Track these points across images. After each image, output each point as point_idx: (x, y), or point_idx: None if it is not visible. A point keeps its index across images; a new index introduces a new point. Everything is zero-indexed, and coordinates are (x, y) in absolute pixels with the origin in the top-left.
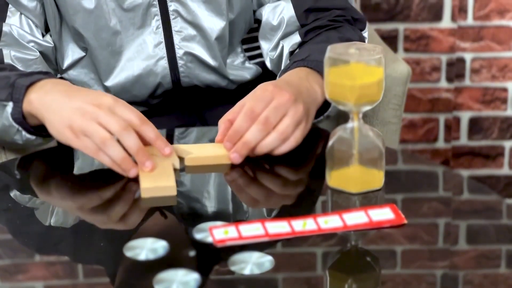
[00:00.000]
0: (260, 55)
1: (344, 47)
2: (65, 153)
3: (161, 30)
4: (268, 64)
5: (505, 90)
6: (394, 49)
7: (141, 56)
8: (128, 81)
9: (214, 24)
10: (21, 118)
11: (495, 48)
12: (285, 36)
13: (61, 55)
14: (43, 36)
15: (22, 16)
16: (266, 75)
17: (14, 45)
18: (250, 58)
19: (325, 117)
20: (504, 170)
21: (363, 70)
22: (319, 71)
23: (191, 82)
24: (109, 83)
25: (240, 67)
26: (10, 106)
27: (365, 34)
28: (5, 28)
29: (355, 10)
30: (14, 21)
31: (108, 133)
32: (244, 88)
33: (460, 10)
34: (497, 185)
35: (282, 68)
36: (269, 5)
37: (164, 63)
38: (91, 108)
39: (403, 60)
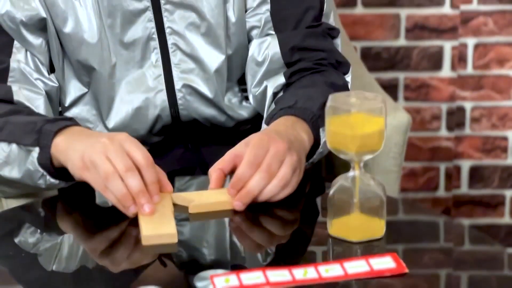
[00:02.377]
0: None
1: (345, 96)
2: (67, 198)
3: (160, 63)
4: (250, 99)
5: (505, 139)
6: (395, 98)
7: (140, 88)
8: (128, 115)
9: (213, 57)
10: (48, 164)
11: (495, 97)
12: (268, 73)
13: (63, 92)
14: (48, 74)
15: (28, 53)
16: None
17: (23, 82)
18: (247, 98)
19: (310, 163)
20: (505, 219)
21: (365, 119)
22: (305, 119)
23: (190, 116)
24: (110, 118)
25: (237, 106)
26: (36, 151)
27: (348, 78)
28: (13, 64)
29: (340, 53)
30: (20, 58)
31: (112, 168)
32: (243, 126)
33: (460, 60)
34: (498, 234)
35: (267, 111)
36: (255, 40)
37: (163, 95)
38: (103, 141)
39: (403, 108)
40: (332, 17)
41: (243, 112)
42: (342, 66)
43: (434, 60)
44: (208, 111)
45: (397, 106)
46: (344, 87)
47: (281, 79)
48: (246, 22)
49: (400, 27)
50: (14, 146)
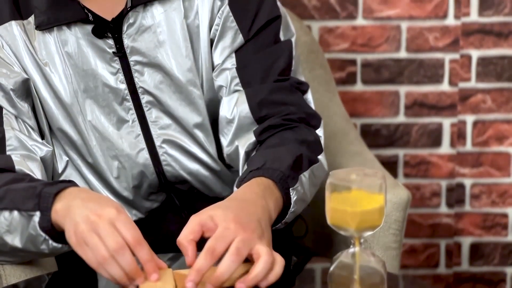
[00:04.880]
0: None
1: (346, 173)
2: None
3: (137, 123)
4: (225, 158)
5: (505, 216)
6: (394, 174)
7: (121, 151)
8: (112, 176)
9: (188, 113)
10: (50, 227)
11: (495, 174)
12: (239, 131)
13: (55, 159)
14: (41, 139)
15: (20, 120)
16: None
17: (20, 149)
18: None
19: (283, 223)
20: None
21: (365, 196)
22: (274, 180)
23: (176, 173)
24: (97, 183)
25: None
26: (37, 215)
27: (320, 132)
28: (8, 133)
29: (310, 106)
30: (14, 125)
31: (105, 251)
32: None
33: (459, 137)
34: None
35: (241, 171)
36: (224, 98)
37: (145, 153)
38: (93, 218)
39: (403, 185)
40: (301, 73)
41: (221, 170)
42: (312, 119)
43: (434, 137)
44: (193, 166)
45: (396, 182)
46: (316, 143)
47: (251, 137)
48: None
49: (399, 104)
50: (15, 213)
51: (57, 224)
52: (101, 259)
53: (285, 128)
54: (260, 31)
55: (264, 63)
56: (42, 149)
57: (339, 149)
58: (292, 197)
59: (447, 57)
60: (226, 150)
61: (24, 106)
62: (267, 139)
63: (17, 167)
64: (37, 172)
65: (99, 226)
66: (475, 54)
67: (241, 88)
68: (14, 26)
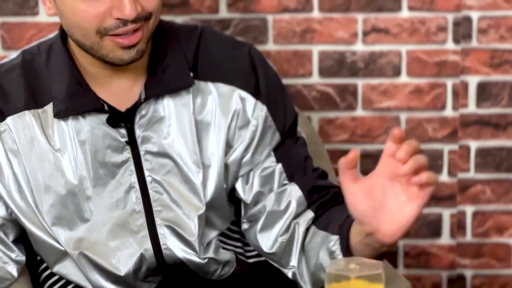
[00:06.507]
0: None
1: (345, 262)
2: None
3: (142, 210)
4: (274, 249)
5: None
6: (394, 265)
7: (123, 238)
8: (112, 260)
9: (193, 203)
10: None
11: (495, 265)
12: (295, 216)
13: (49, 249)
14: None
15: None
16: (244, 272)
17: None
18: (224, 249)
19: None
20: None
21: (364, 286)
22: None
23: (174, 257)
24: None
25: (215, 252)
26: None
27: None
28: None
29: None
30: None
31: None
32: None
33: (459, 227)
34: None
35: (298, 246)
36: (271, 195)
37: (147, 239)
38: None
39: (403, 276)
40: None
41: (219, 257)
42: None
43: (434, 228)
44: (190, 252)
45: (397, 273)
46: None
47: (309, 214)
48: (248, 178)
49: None
50: None
51: None
52: None
53: (336, 203)
54: (290, 127)
55: (300, 157)
56: (15, 267)
57: None
58: None
59: (446, 147)
60: (282, 238)
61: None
62: (326, 211)
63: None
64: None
65: None
66: (473, 145)
67: (288, 182)
68: (27, 116)
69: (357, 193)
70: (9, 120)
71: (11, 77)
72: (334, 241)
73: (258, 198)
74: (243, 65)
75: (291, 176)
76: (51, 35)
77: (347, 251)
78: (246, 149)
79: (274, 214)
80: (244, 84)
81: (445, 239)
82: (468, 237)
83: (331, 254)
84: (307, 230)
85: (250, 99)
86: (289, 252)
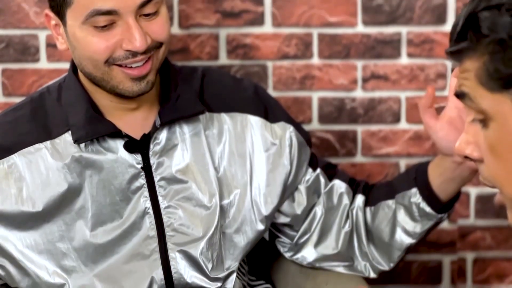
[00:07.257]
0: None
1: None
2: None
3: (155, 235)
4: (339, 245)
5: None
6: None
7: (135, 263)
8: (122, 282)
9: (205, 228)
10: None
11: None
12: (350, 204)
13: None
14: None
15: None
16: None
17: None
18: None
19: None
20: None
21: None
22: None
23: (183, 280)
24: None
25: (221, 278)
26: None
27: None
28: None
29: None
30: None
31: None
32: None
33: (459, 274)
34: None
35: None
36: (321, 198)
37: (158, 263)
38: None
39: None
40: None
41: (228, 285)
42: None
43: (434, 275)
44: (197, 276)
45: None
46: None
47: (360, 198)
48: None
49: None
50: None
51: None
52: None
53: (371, 184)
54: (306, 139)
55: (322, 159)
56: None
57: None
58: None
59: None
60: (344, 231)
61: None
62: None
63: None
64: None
65: None
66: (473, 191)
67: (329, 181)
68: (38, 147)
69: (442, 127)
70: (17, 155)
71: (18, 114)
72: (413, 194)
73: (309, 207)
74: (250, 93)
75: (329, 176)
76: (55, 79)
77: (430, 197)
78: (289, 173)
79: (330, 212)
80: (255, 109)
81: (445, 286)
82: (469, 284)
83: (417, 206)
84: (364, 213)
85: (266, 124)
86: (354, 243)
